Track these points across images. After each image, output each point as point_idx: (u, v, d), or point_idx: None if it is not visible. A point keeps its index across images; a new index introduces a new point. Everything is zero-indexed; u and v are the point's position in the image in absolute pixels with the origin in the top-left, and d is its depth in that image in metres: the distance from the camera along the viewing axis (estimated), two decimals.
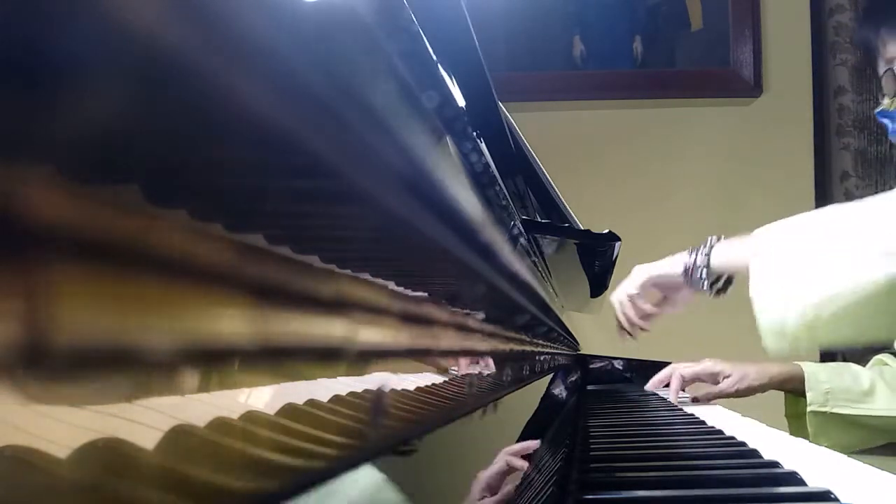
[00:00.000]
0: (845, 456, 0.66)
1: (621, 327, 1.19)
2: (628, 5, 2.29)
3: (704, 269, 1.05)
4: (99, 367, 0.13)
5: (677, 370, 1.25)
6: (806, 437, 1.06)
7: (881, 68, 1.12)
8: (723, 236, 1.07)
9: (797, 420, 1.20)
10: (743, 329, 1.03)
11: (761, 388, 1.18)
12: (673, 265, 1.09)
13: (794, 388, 1.21)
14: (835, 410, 1.15)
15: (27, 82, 0.10)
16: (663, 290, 1.15)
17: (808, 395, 1.17)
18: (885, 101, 1.13)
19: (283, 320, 0.21)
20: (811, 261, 0.89)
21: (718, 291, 1.08)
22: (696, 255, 1.06)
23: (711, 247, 1.06)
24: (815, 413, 1.16)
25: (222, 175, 0.17)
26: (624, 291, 1.17)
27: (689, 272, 1.06)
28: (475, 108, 0.51)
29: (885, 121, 1.13)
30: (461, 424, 0.48)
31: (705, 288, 1.07)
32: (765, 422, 0.91)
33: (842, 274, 0.86)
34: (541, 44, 2.27)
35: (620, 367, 1.48)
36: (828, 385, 1.16)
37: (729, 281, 1.08)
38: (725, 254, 1.04)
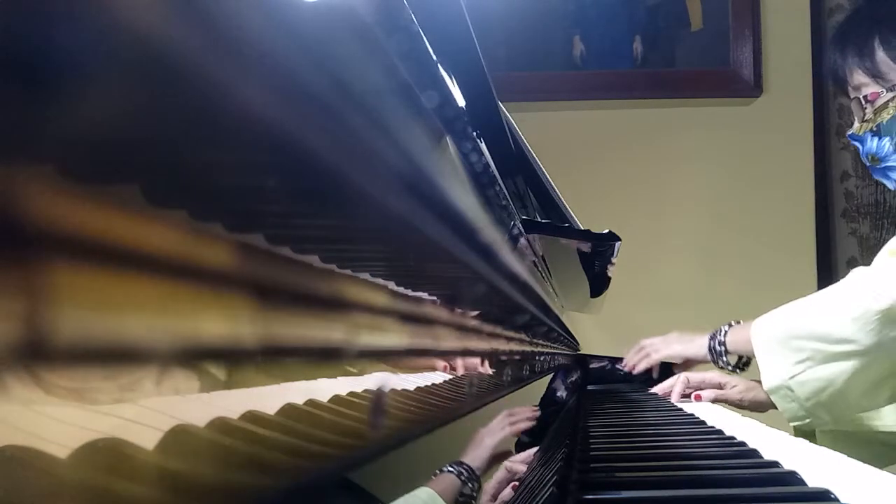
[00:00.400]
0: (845, 456, 0.66)
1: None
2: (628, 5, 2.29)
3: (725, 355, 1.21)
4: (99, 367, 0.13)
5: (684, 375, 1.26)
6: None
7: (850, 94, 1.19)
8: (732, 322, 1.22)
9: (806, 439, 1.21)
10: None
11: (767, 405, 1.19)
12: (699, 349, 1.25)
13: None
14: (843, 428, 1.16)
15: (27, 82, 0.10)
16: (690, 365, 1.31)
17: None
18: (855, 126, 1.19)
19: (283, 320, 0.21)
20: (796, 344, 1.08)
21: (744, 366, 1.24)
22: (715, 342, 1.22)
23: (725, 333, 1.22)
24: (823, 432, 1.17)
25: (222, 175, 0.17)
26: (654, 352, 1.32)
27: (714, 358, 1.23)
28: (475, 108, 0.51)
29: (857, 143, 1.21)
30: (462, 423, 0.48)
31: (731, 368, 1.23)
32: (765, 422, 0.91)
33: (824, 363, 1.05)
34: (541, 44, 2.27)
35: (620, 368, 1.48)
36: None
37: (748, 361, 1.24)
38: (735, 341, 1.20)
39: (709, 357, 1.23)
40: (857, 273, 1.08)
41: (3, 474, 0.11)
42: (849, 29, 1.20)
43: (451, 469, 0.40)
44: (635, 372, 1.33)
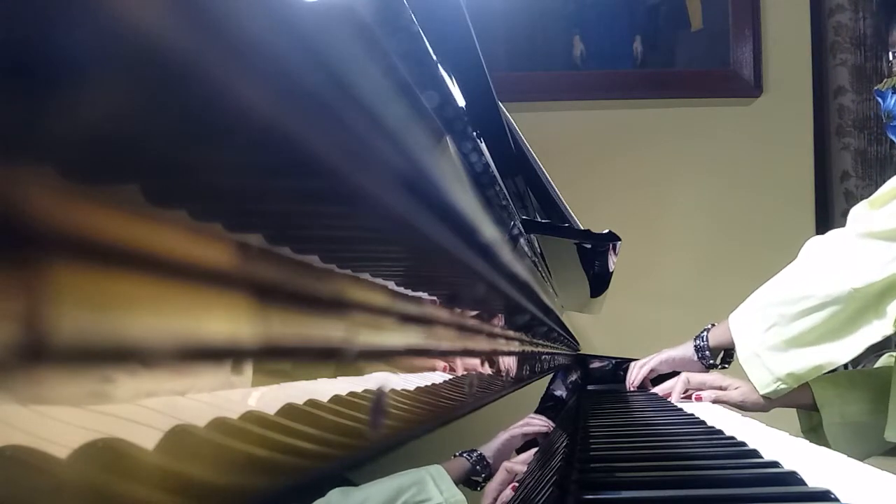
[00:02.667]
0: (845, 456, 0.66)
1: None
2: (628, 5, 2.28)
3: (708, 351, 1.29)
4: (99, 366, 0.13)
5: (685, 375, 1.26)
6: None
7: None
8: (714, 323, 1.31)
9: (815, 434, 1.21)
10: None
11: (769, 406, 1.19)
12: (685, 350, 1.32)
13: (803, 405, 1.22)
14: (851, 420, 1.17)
15: (27, 82, 0.10)
16: (680, 368, 1.36)
17: (822, 411, 1.18)
18: (884, 81, 1.29)
19: (283, 320, 0.21)
20: (763, 314, 1.17)
21: (727, 361, 1.32)
22: (699, 341, 1.31)
23: (707, 331, 1.30)
24: (831, 426, 1.18)
25: (222, 175, 0.17)
26: (647, 363, 1.38)
27: (700, 356, 1.30)
28: (475, 108, 0.51)
29: (879, 99, 1.30)
30: (461, 424, 0.48)
31: (716, 363, 1.31)
32: (765, 422, 0.91)
33: (794, 308, 1.12)
34: (541, 44, 2.27)
35: (621, 368, 1.48)
36: (838, 397, 1.18)
37: (730, 354, 1.32)
38: (716, 335, 1.29)
39: (695, 356, 1.31)
40: (809, 241, 1.19)
41: (3, 474, 0.11)
42: None
43: (463, 454, 0.42)
44: (636, 384, 1.38)
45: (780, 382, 1.15)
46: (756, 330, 1.17)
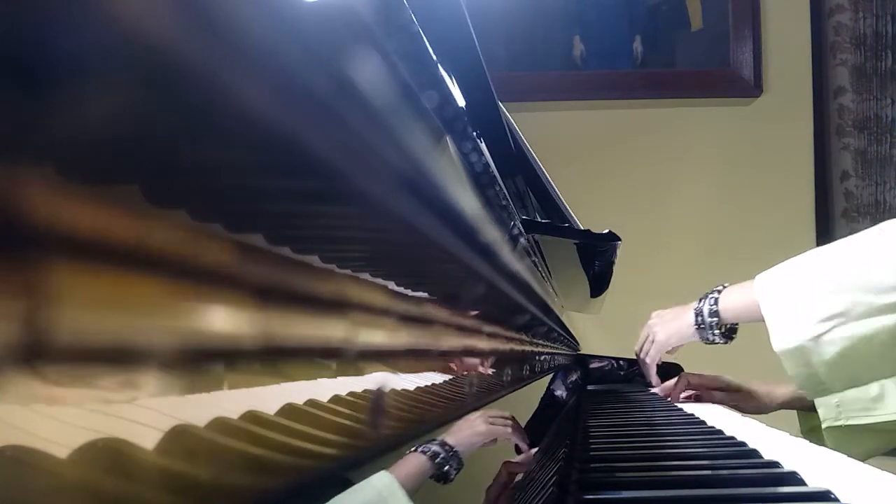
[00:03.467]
0: (845, 456, 0.66)
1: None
2: (628, 5, 2.29)
3: (715, 327, 1.06)
4: (99, 366, 0.13)
5: (685, 376, 1.26)
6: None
7: None
8: (726, 284, 1.08)
9: (814, 435, 1.21)
10: (753, 346, 1.03)
11: (768, 409, 1.18)
12: (686, 329, 1.11)
13: (803, 406, 1.21)
14: (850, 423, 1.15)
15: (27, 82, 0.10)
16: (676, 344, 1.19)
17: (820, 411, 1.17)
18: None
19: (283, 320, 0.21)
20: (823, 297, 0.91)
21: (732, 335, 1.11)
22: (704, 315, 1.07)
23: (716, 301, 1.07)
24: (830, 428, 1.17)
25: (222, 175, 0.17)
26: (651, 360, 1.22)
27: (703, 334, 1.09)
28: (475, 108, 0.51)
29: None
30: None
31: (717, 338, 1.09)
32: (765, 422, 0.91)
33: (852, 308, 0.87)
34: (541, 44, 2.27)
35: (620, 367, 1.48)
36: (836, 398, 1.16)
37: (735, 327, 1.10)
38: (732, 302, 1.04)
39: (697, 335, 1.10)
40: None
41: (3, 474, 0.11)
42: None
43: (423, 450, 0.36)
44: (653, 379, 1.26)
45: (825, 386, 0.94)
46: (809, 316, 0.90)
